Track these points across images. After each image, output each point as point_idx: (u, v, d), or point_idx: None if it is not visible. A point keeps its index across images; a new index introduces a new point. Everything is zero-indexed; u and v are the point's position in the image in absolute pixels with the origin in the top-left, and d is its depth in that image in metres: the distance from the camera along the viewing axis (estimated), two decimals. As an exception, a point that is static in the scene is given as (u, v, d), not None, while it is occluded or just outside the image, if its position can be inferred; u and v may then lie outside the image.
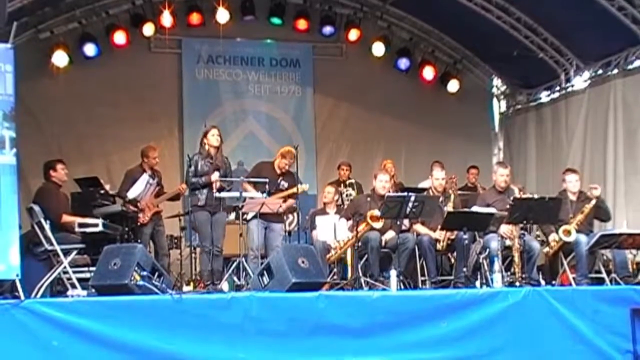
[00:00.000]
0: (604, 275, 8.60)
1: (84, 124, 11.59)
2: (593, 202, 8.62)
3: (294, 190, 8.93)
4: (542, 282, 8.34)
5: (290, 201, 9.00)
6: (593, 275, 8.66)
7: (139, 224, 9.10)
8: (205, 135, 8.79)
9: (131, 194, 9.05)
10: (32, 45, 11.16)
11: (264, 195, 8.58)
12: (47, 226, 7.42)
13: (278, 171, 9.02)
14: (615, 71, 11.24)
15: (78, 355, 5.86)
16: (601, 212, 8.74)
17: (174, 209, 10.43)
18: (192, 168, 8.61)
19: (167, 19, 11.52)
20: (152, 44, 12.12)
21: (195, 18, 12.00)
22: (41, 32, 11.29)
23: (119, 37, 11.62)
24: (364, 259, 8.25)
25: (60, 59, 11.27)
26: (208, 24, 11.98)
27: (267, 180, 8.69)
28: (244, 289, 7.59)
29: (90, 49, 11.49)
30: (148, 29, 11.77)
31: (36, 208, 7.54)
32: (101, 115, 11.63)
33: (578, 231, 8.43)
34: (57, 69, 11.33)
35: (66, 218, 8.06)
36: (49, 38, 11.38)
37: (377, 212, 8.17)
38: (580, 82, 12.04)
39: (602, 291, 7.55)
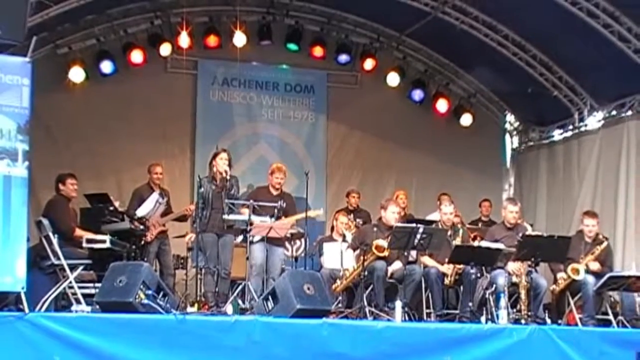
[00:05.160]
0: (611, 317, 8.54)
1: (97, 140, 11.62)
2: (605, 244, 8.58)
3: (304, 215, 8.89)
4: (548, 320, 8.27)
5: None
6: (600, 316, 8.60)
7: (143, 242, 9.11)
8: (214, 157, 8.80)
9: (140, 212, 9.10)
10: (50, 60, 11.23)
11: (272, 219, 8.56)
12: (55, 240, 7.43)
13: (274, 192, 9.00)
14: (630, 113, 11.21)
15: (79, 370, 5.84)
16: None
17: (182, 229, 10.43)
18: (202, 190, 8.64)
19: (184, 40, 11.57)
20: (168, 63, 12.17)
21: (212, 40, 12.06)
22: (59, 47, 11.37)
23: (136, 56, 11.68)
24: (370, 288, 8.21)
25: (76, 74, 11.33)
26: (225, 47, 12.04)
27: (276, 204, 8.67)
28: (248, 313, 7.56)
29: (106, 66, 11.56)
30: (165, 49, 11.84)
31: (45, 222, 7.56)
32: (114, 132, 11.67)
33: (589, 271, 8.39)
34: (73, 84, 11.39)
35: (79, 232, 8.09)
36: (67, 54, 11.45)
37: (382, 242, 8.15)
38: (593, 122, 12.01)
39: (609, 333, 7.50)
